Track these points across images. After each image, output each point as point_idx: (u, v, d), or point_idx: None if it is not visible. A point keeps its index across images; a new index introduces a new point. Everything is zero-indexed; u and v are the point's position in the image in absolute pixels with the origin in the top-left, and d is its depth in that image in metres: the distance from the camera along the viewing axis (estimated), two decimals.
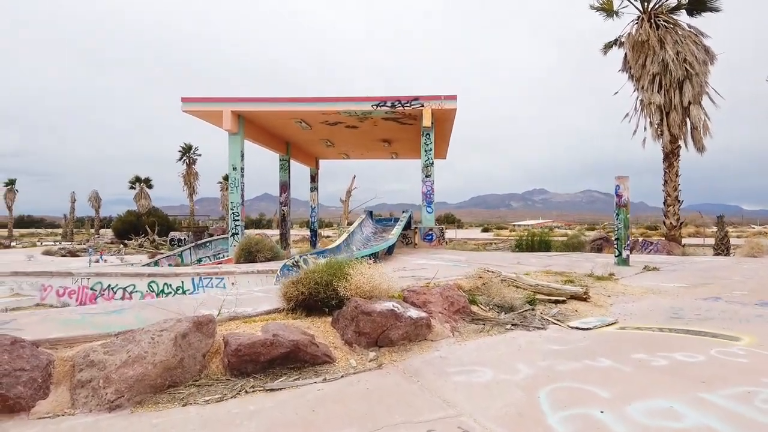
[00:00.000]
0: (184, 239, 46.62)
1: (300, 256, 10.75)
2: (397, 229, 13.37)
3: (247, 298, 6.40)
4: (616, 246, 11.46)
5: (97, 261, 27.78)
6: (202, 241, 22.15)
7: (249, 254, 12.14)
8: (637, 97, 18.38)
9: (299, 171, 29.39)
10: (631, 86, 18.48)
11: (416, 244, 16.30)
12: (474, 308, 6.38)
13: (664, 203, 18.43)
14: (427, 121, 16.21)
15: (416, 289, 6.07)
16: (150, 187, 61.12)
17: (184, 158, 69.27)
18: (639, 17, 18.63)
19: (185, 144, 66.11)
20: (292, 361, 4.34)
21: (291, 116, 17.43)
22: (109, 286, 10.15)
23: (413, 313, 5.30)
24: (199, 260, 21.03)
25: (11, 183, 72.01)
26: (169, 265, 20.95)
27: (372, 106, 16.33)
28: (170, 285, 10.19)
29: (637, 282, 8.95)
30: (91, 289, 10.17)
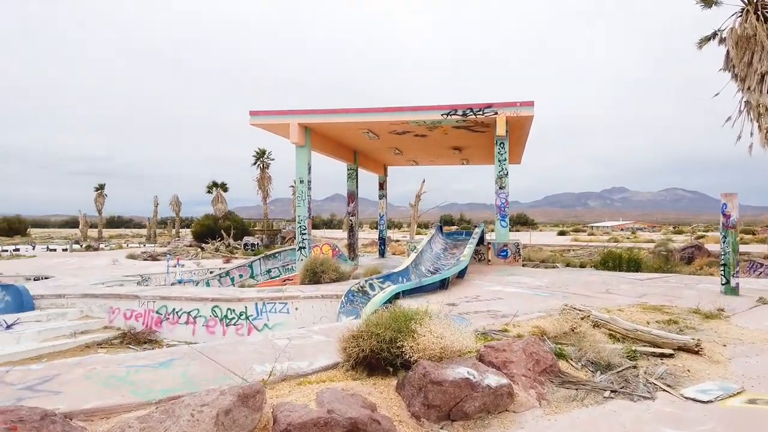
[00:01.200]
0: (257, 244, 47.72)
1: (366, 281, 10.15)
2: (469, 249, 12.48)
3: (304, 345, 5.82)
4: (722, 272, 10.03)
5: (175, 266, 28.69)
6: (272, 252, 22.16)
7: (314, 275, 11.71)
8: (742, 99, 16.35)
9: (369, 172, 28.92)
10: (734, 86, 16.46)
11: (490, 260, 15.32)
12: (563, 364, 5.46)
13: None
14: (501, 130, 15.19)
15: (495, 345, 5.24)
16: (226, 190, 63.14)
17: (258, 162, 71.26)
18: (743, 9, 16.57)
19: (259, 149, 67.83)
20: None
21: (358, 127, 16.94)
22: (174, 310, 9.99)
23: (492, 380, 4.49)
24: (268, 271, 21.06)
25: (101, 187, 76.75)
26: (240, 276, 21.13)
27: (442, 114, 15.52)
28: (233, 310, 9.89)
29: (754, 322, 7.63)
30: (157, 312, 10.06)
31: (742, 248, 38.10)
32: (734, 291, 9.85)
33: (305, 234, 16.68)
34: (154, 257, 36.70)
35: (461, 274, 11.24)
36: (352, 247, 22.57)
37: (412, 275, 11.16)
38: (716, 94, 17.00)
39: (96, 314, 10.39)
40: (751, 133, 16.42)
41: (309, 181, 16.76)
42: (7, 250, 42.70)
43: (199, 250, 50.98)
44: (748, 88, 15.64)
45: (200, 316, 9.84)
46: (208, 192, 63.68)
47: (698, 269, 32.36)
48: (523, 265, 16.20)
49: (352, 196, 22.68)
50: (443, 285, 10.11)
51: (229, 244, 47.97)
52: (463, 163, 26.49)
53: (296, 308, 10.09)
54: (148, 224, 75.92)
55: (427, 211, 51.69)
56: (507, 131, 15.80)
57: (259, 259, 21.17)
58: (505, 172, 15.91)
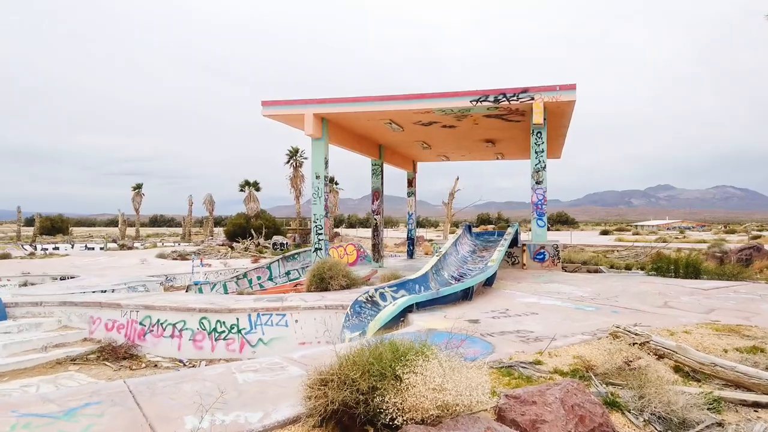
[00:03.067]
0: (286, 243, 46.91)
1: (376, 289, 8.73)
2: (499, 253, 10.85)
3: (271, 383, 4.44)
4: None
5: (200, 266, 27.96)
6: (291, 252, 20.98)
7: (321, 281, 10.36)
8: None
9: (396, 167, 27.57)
10: None
11: (524, 264, 13.67)
12: (617, 419, 3.92)
13: None
14: (538, 117, 13.51)
15: (521, 395, 3.73)
16: (258, 189, 62.79)
17: (291, 161, 70.83)
18: None
19: (292, 147, 67.28)
20: None
21: (379, 117, 15.52)
22: (159, 321, 8.80)
23: None
24: (287, 273, 19.89)
25: (138, 187, 77.71)
26: (258, 278, 20.03)
27: (471, 101, 13.94)
28: (224, 323, 8.62)
29: None
30: (140, 323, 8.88)
31: None
32: None
33: (321, 234, 15.38)
34: (183, 256, 36.31)
35: (489, 282, 9.68)
36: (376, 247, 21.18)
37: (432, 283, 9.68)
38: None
39: (75, 324, 9.32)
40: None
41: (326, 177, 15.45)
42: (46, 249, 43.24)
43: (230, 249, 50.66)
44: None
45: (186, 328, 8.62)
46: (241, 191, 63.51)
47: (758, 272, 29.76)
48: (564, 269, 14.48)
49: (377, 194, 21.27)
50: (466, 295, 8.60)
51: (259, 243, 47.34)
52: (497, 158, 24.74)
53: (296, 320, 8.76)
54: (183, 223, 76.53)
55: (462, 210, 49.88)
56: (545, 119, 14.09)
57: (278, 260, 20.02)
58: (543, 166, 14.21)
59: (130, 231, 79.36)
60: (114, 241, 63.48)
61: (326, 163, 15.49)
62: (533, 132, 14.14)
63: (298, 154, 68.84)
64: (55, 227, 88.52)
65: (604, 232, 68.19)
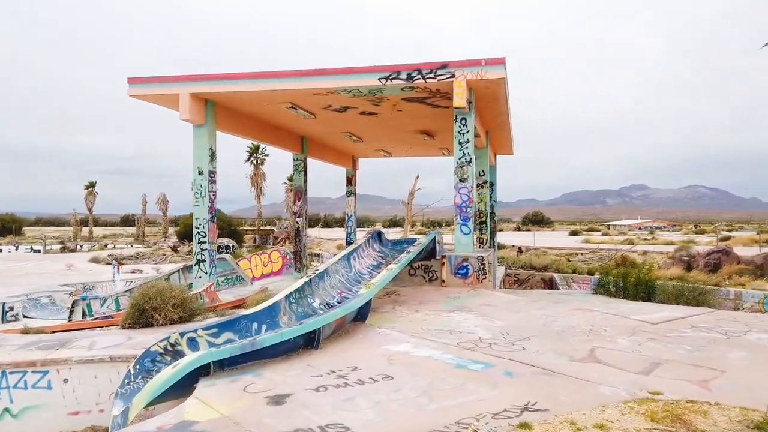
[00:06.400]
0: (233, 246, 43.86)
1: (182, 334, 6.00)
2: (385, 273, 8.03)
3: None
4: None
5: (117, 273, 25.04)
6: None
7: (141, 314, 7.58)
8: None
9: (375, 163, 24.92)
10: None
11: (443, 281, 11.07)
12: None
13: None
14: (459, 99, 10.90)
15: None
16: None
17: (252, 159, 67.63)
18: None
19: (253, 144, 64.13)
20: None
21: (279, 99, 12.77)
22: None
23: None
24: (189, 285, 17.02)
25: (92, 185, 73.41)
26: None
27: (380, 79, 11.27)
28: None
29: None
30: None
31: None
32: None
33: (205, 242, 12.58)
34: (119, 260, 33.28)
35: (362, 316, 7.03)
36: (298, 255, 18.39)
37: (285, 317, 6.98)
38: (766, 44, 12.34)
39: None
40: None
41: (212, 172, 12.66)
42: None
43: (173, 252, 47.36)
44: None
45: None
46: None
47: (726, 278, 27.71)
48: (504, 285, 11.90)
49: (300, 193, 18.45)
50: (313, 341, 5.92)
51: None
52: (443, 154, 22.15)
53: (65, 380, 5.99)
54: (137, 224, 72.55)
55: (422, 210, 47.31)
56: (471, 102, 11.52)
57: (179, 271, 17.11)
58: (468, 159, 11.62)
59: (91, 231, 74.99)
60: (62, 242, 59.58)
61: (212, 155, 12.69)
62: (456, 118, 11.53)
63: (259, 151, 65.66)
64: (5, 227, 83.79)
65: (574, 233, 66.37)
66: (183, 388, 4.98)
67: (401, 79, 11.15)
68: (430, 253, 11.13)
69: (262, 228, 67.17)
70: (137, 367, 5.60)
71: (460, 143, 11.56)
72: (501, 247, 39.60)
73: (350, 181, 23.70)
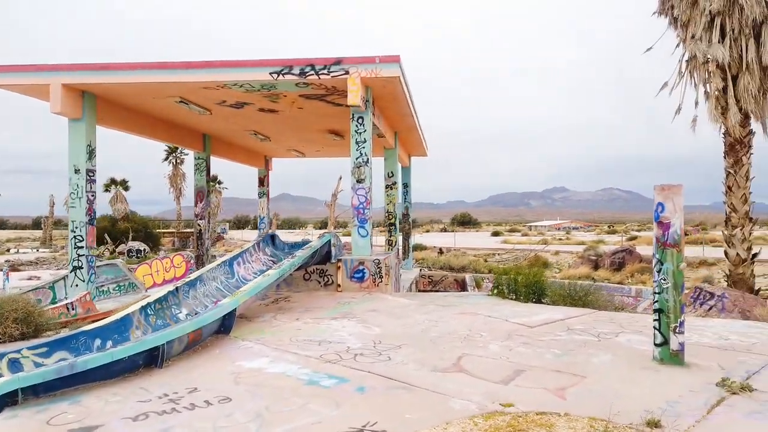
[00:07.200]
0: (144, 249, 41.67)
1: (2, 355, 5.20)
2: (251, 286, 7.38)
3: None
4: (656, 325, 5.68)
5: (6, 281, 22.88)
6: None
7: None
8: (683, 55, 12.21)
9: (308, 163, 24.44)
10: (672, 36, 12.25)
11: (339, 285, 10.66)
12: None
13: (726, 223, 12.26)
14: (354, 97, 10.53)
15: None
16: (126, 189, 56.14)
17: (170, 158, 64.66)
18: None
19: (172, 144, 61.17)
20: None
21: (162, 93, 11.91)
22: None
23: None
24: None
25: None
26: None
27: (271, 74, 10.71)
28: None
29: None
30: None
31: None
32: (676, 358, 5.53)
33: (82, 247, 11.53)
34: (14, 267, 30.57)
35: (225, 328, 6.46)
36: (201, 259, 17.44)
37: (137, 331, 6.29)
38: (648, 49, 12.78)
39: None
40: (696, 103, 12.21)
41: (90, 171, 11.62)
42: None
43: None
44: (692, 37, 11.39)
45: None
46: (106, 191, 56.55)
47: (629, 276, 29.15)
48: (418, 286, 11.65)
49: (201, 194, 17.53)
50: (155, 359, 5.30)
51: (114, 250, 41.67)
52: None
53: None
54: (44, 226, 67.58)
55: (345, 212, 46.84)
56: (368, 100, 11.20)
57: (64, 278, 15.71)
58: (365, 159, 11.29)
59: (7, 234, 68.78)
60: None
61: (91, 152, 11.63)
62: (353, 117, 11.17)
63: (178, 151, 62.84)
64: None
65: (496, 234, 68.19)
66: None
67: (294, 74, 10.64)
68: (326, 256, 10.69)
69: (182, 230, 64.31)
70: None
71: (357, 143, 11.21)
72: (421, 248, 39.85)
73: (262, 181, 22.89)
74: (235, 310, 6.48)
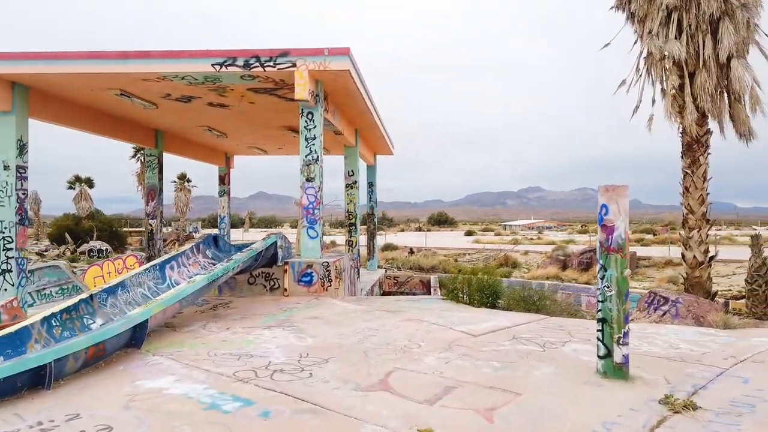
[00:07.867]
0: (107, 249, 40.49)
1: None
2: (182, 288, 6.87)
3: None
4: (599, 335, 5.29)
5: None
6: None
7: None
8: (641, 52, 11.96)
9: (286, 161, 23.61)
10: (630, 32, 11.96)
11: (286, 289, 10.12)
12: None
13: (683, 224, 12.05)
14: (301, 91, 9.98)
15: None
16: (91, 186, 54.49)
17: (138, 155, 63.09)
18: None
19: None
20: None
21: (100, 84, 11.19)
22: None
23: None
24: None
25: None
26: None
27: (214, 65, 10.10)
28: None
29: None
30: None
31: (640, 251, 35.22)
32: (620, 371, 5.13)
33: (12, 249, 10.75)
34: None
35: (136, 341, 5.89)
36: (152, 260, 16.64)
37: (37, 344, 5.66)
38: (605, 45, 12.49)
39: None
40: (653, 101, 11.95)
41: (21, 167, 10.84)
42: None
43: (38, 258, 42.91)
44: (649, 32, 11.10)
45: None
46: (70, 188, 54.83)
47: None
48: (383, 287, 11.14)
49: (153, 193, 16.76)
50: (42, 379, 4.71)
51: (75, 249, 40.37)
52: (324, 152, 21.17)
53: None
54: None
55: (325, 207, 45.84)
56: (318, 94, 10.67)
57: None
58: (315, 157, 10.78)
59: None
60: None
61: (22, 147, 10.85)
62: (302, 112, 10.63)
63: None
64: None
65: (469, 233, 68.15)
66: None
67: (238, 66, 10.05)
68: (272, 259, 10.12)
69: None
70: None
71: (306, 139, 10.68)
72: (392, 248, 39.41)
73: (223, 180, 22.15)
74: (146, 321, 5.89)
